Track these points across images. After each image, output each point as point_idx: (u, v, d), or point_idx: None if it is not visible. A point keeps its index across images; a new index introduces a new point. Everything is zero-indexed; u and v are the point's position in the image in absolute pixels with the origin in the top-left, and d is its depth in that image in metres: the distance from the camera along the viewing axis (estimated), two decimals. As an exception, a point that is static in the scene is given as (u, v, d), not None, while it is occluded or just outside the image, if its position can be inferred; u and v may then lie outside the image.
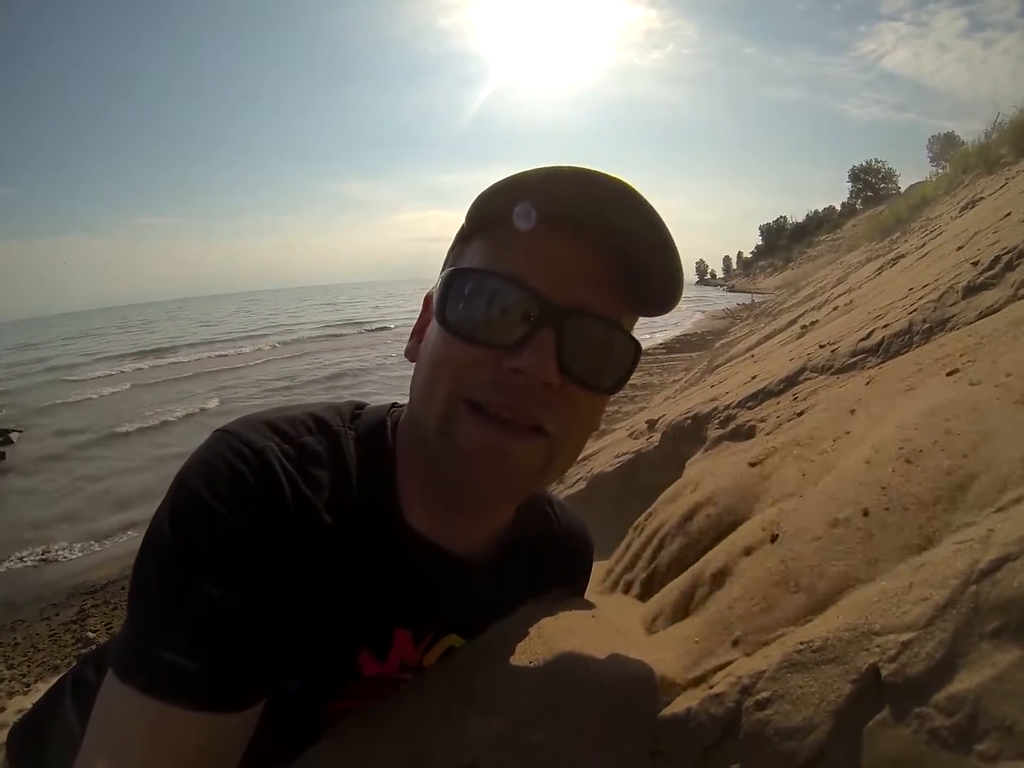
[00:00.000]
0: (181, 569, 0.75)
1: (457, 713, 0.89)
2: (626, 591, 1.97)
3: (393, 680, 0.97)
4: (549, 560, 1.17)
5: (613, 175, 0.79)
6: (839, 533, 1.57)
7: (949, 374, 2.09)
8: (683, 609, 1.39)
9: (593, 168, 0.78)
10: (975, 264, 3.83)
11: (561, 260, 0.81)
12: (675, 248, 0.84)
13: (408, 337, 0.99)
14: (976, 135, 13.65)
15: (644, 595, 1.80)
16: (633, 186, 0.79)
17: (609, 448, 5.16)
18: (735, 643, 1.10)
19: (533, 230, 0.80)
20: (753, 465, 2.35)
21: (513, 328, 0.79)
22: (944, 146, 38.24)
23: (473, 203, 0.85)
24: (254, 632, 0.77)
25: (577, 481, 4.75)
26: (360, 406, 1.02)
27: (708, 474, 2.63)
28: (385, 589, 0.91)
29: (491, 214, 0.84)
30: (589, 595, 1.45)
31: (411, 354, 0.95)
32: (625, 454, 4.65)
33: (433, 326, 0.87)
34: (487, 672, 0.95)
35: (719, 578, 1.44)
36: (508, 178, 0.81)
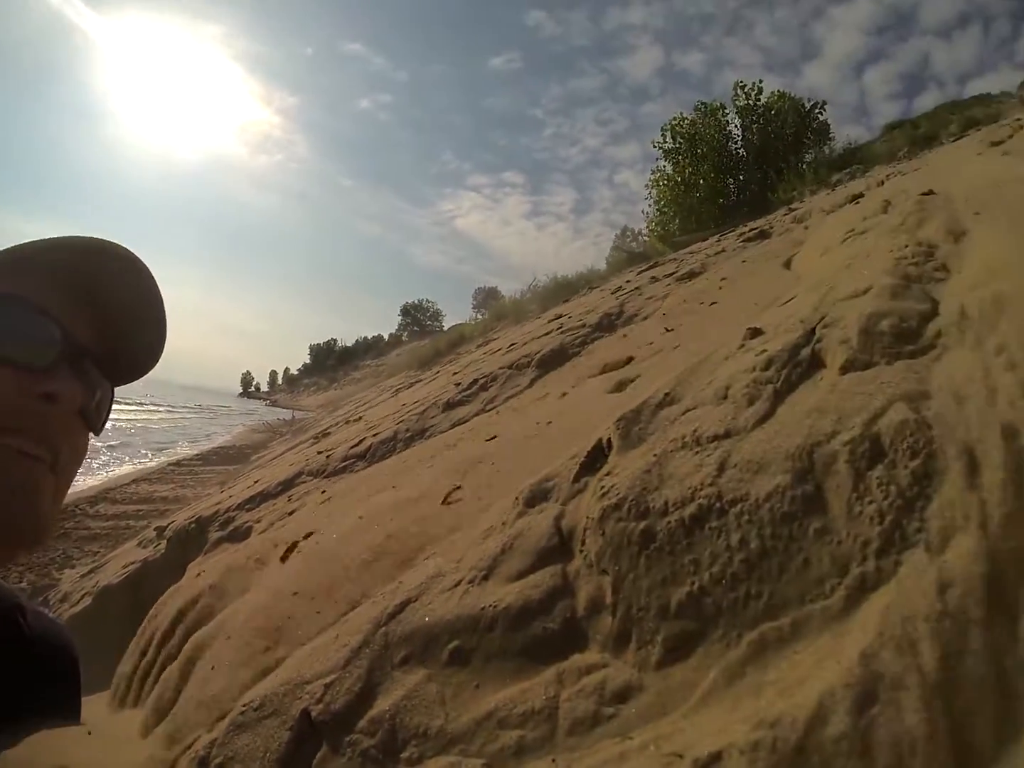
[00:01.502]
0: None
1: None
2: (132, 703, 1.91)
3: None
4: (23, 673, 1.02)
5: (122, 248, 0.88)
6: (290, 606, 1.68)
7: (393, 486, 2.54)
8: (166, 704, 1.40)
9: (103, 240, 0.86)
10: (458, 385, 4.68)
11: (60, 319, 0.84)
12: (162, 326, 0.93)
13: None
14: (514, 292, 17.48)
15: (142, 701, 1.77)
16: (138, 260, 0.89)
17: (119, 558, 4.97)
18: (200, 722, 1.15)
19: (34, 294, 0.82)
20: (231, 566, 2.48)
21: (43, 353, 0.78)
22: (487, 297, 45.33)
23: None
24: None
25: (83, 597, 4.38)
26: None
27: (200, 575, 2.69)
28: None
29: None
30: (92, 716, 1.33)
31: None
32: (132, 564, 4.53)
33: None
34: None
35: (190, 667, 1.48)
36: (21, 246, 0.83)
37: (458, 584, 1.81)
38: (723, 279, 5.06)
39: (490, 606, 1.68)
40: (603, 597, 1.63)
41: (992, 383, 1.68)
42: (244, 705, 1.26)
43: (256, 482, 4.75)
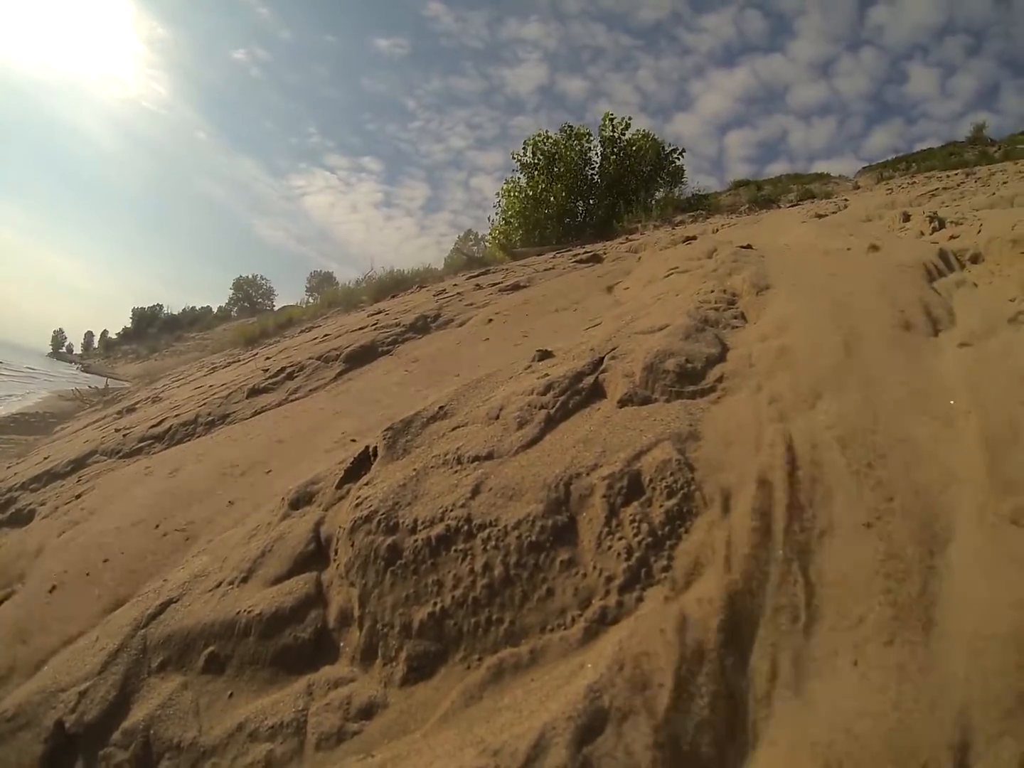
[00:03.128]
0: None
1: None
2: None
3: None
4: None
5: None
6: (52, 598, 1.60)
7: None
8: None
9: None
10: (266, 371, 4.51)
11: None
12: None
13: None
14: (349, 280, 17.19)
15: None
16: None
17: None
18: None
19: None
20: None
21: None
22: (321, 282, 44.16)
23: None
24: None
25: None
26: None
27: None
28: None
29: None
30: None
31: None
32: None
33: None
34: None
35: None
36: None
37: (219, 585, 1.74)
38: (543, 296, 5.16)
39: (245, 611, 1.62)
40: (352, 609, 1.58)
41: (759, 431, 1.75)
42: (-1, 715, 1.15)
43: (46, 458, 4.44)
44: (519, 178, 18.09)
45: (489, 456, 1.85)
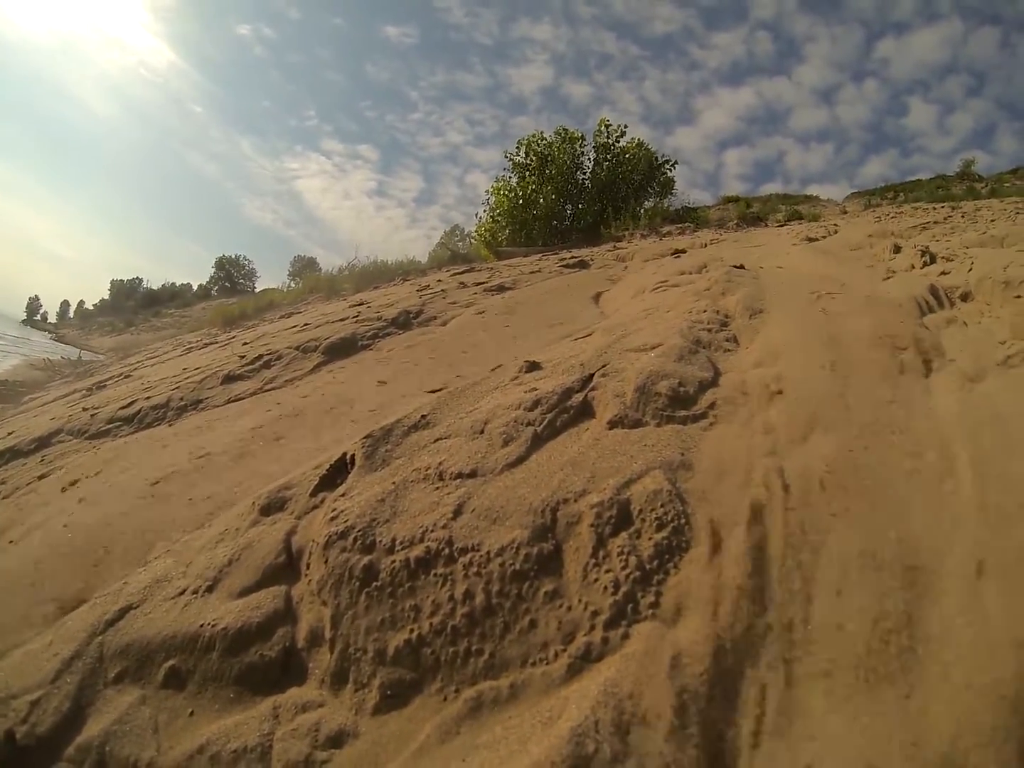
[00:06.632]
0: None
1: None
2: None
3: None
4: None
5: None
6: (4, 592, 1.50)
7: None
8: None
9: None
10: (242, 357, 4.41)
11: None
12: None
13: None
14: (333, 268, 17.15)
15: None
16: None
17: None
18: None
19: None
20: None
21: None
22: (304, 266, 43.80)
23: None
24: None
25: None
26: None
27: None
28: None
29: None
30: None
31: None
32: None
33: None
34: None
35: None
36: None
37: (182, 593, 1.66)
38: (529, 300, 5.12)
39: (209, 624, 1.54)
40: (323, 630, 1.50)
41: (752, 463, 1.71)
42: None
43: (10, 434, 4.34)
44: (510, 177, 18.10)
45: (473, 474, 1.78)
